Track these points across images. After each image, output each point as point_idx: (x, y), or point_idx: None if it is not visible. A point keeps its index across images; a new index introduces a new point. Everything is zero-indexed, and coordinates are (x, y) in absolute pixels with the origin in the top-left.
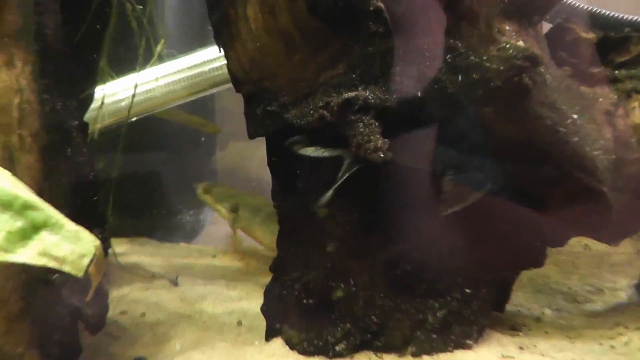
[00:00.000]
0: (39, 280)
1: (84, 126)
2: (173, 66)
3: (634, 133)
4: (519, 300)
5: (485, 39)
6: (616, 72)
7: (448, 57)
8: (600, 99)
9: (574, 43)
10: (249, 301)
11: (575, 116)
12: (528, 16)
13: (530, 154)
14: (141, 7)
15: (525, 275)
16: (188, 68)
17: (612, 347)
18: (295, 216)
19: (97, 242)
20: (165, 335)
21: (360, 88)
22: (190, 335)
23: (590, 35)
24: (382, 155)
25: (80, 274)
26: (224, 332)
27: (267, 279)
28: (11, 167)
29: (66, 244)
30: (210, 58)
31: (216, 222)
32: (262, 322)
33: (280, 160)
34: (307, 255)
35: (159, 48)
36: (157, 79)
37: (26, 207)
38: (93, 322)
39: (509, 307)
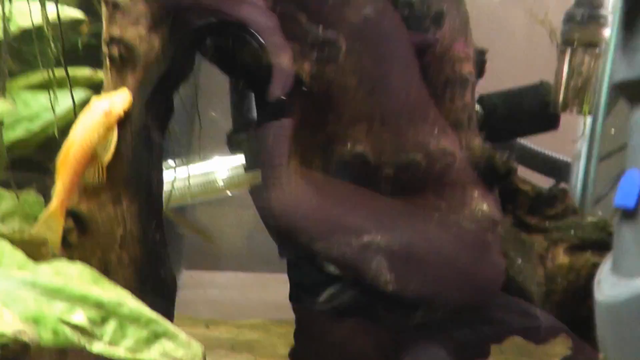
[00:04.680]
0: None
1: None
2: None
3: (559, 271)
4: None
5: (462, 203)
6: (547, 223)
7: None
8: (536, 244)
9: (515, 193)
10: None
11: (519, 260)
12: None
13: None
14: None
15: None
16: None
17: None
18: None
19: (203, 348)
20: None
21: None
22: None
23: (527, 187)
24: None
25: None
26: None
27: None
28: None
29: (181, 349)
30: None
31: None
32: None
33: None
34: None
35: None
36: None
37: (149, 321)
38: None
39: None
